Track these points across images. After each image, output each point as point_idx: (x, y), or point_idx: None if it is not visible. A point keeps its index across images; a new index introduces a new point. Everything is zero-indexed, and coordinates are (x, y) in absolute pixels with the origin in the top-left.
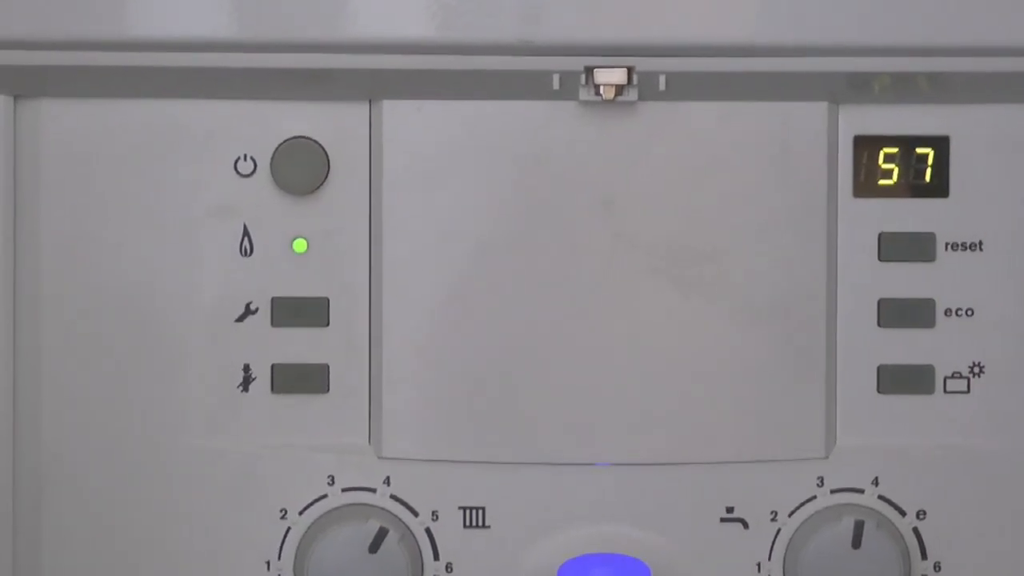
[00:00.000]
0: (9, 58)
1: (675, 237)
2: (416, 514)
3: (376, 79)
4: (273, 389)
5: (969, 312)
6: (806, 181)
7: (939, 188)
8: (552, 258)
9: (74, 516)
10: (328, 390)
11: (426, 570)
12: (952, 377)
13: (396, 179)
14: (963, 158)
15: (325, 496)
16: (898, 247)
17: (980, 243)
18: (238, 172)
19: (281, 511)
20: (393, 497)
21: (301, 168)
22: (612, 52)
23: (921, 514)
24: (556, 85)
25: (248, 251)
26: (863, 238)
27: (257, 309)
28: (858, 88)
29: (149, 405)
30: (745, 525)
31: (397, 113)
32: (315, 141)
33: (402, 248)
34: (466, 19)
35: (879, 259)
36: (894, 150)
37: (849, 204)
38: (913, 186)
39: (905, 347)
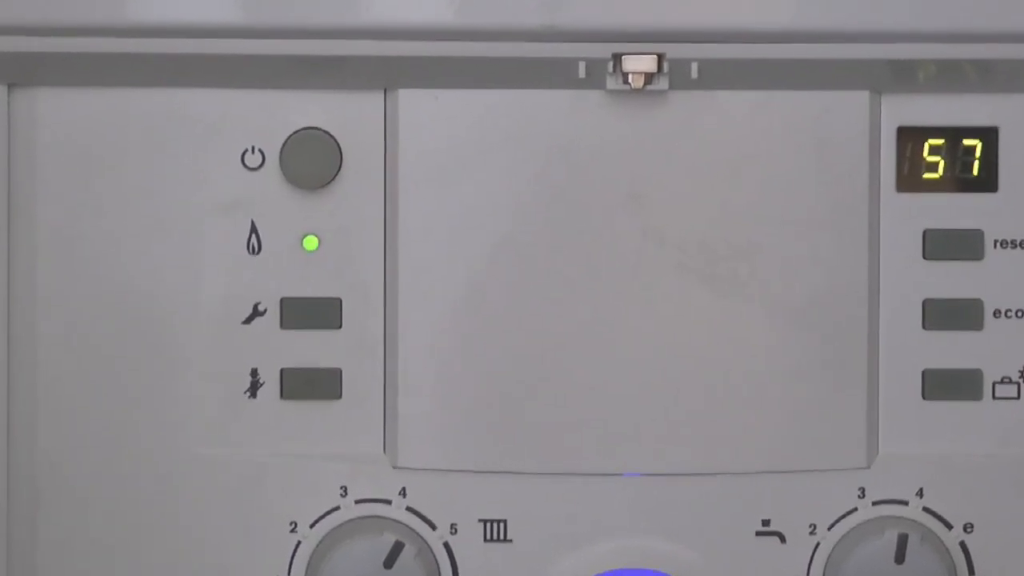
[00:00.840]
0: (3, 44)
1: (707, 234)
2: (434, 527)
3: (391, 67)
4: (282, 395)
5: (1019, 313)
6: (846, 175)
7: (987, 182)
8: (577, 256)
9: (71, 531)
10: (340, 396)
11: None
12: (1001, 382)
13: (412, 172)
14: (1013, 150)
15: (337, 508)
16: (944, 245)
17: None
18: (245, 165)
19: (291, 524)
20: (409, 509)
21: (312, 161)
22: (641, 38)
23: (968, 527)
24: (582, 73)
25: (256, 249)
26: (907, 235)
27: (265, 310)
28: (902, 76)
29: (150, 412)
30: (782, 539)
31: (414, 103)
32: (327, 132)
33: (419, 245)
34: (486, 3)
35: (924, 257)
36: (940, 142)
37: (892, 199)
38: (960, 180)
39: (951, 350)
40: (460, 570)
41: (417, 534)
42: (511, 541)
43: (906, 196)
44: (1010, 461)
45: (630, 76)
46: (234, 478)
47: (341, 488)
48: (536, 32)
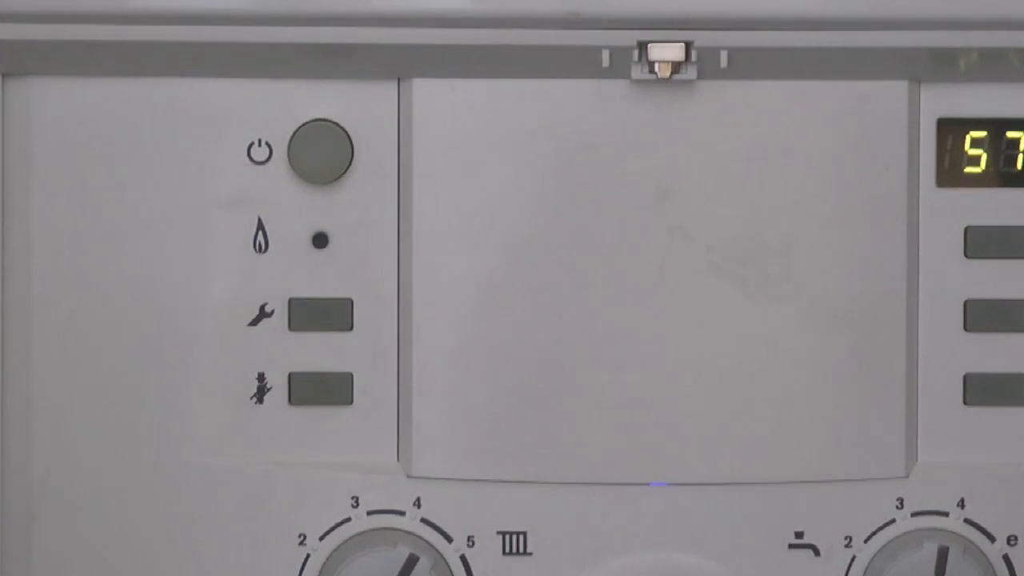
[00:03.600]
0: None
1: (738, 231)
2: (450, 539)
3: (405, 55)
4: (291, 400)
5: None
6: (884, 169)
7: None
8: (601, 256)
9: (68, 543)
10: (352, 402)
11: None
12: None
13: (427, 167)
14: None
15: (349, 520)
16: (986, 242)
17: None
18: (252, 159)
19: (300, 536)
20: (424, 521)
21: (322, 154)
22: (668, 25)
23: (1012, 540)
24: (606, 62)
25: (263, 247)
26: (947, 232)
27: (272, 311)
28: (942, 65)
29: (151, 419)
30: (816, 552)
31: (429, 93)
32: (337, 124)
33: (434, 243)
34: None
35: (965, 255)
36: (982, 134)
37: (932, 194)
38: (1003, 174)
39: (994, 354)
40: None
41: (432, 547)
42: (531, 554)
43: (946, 191)
44: None
45: (656, 65)
46: (240, 488)
47: (352, 498)
48: (557, 19)
